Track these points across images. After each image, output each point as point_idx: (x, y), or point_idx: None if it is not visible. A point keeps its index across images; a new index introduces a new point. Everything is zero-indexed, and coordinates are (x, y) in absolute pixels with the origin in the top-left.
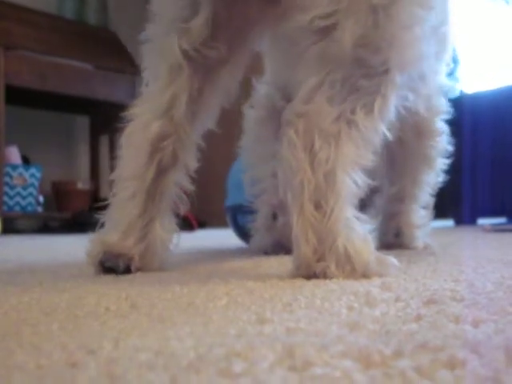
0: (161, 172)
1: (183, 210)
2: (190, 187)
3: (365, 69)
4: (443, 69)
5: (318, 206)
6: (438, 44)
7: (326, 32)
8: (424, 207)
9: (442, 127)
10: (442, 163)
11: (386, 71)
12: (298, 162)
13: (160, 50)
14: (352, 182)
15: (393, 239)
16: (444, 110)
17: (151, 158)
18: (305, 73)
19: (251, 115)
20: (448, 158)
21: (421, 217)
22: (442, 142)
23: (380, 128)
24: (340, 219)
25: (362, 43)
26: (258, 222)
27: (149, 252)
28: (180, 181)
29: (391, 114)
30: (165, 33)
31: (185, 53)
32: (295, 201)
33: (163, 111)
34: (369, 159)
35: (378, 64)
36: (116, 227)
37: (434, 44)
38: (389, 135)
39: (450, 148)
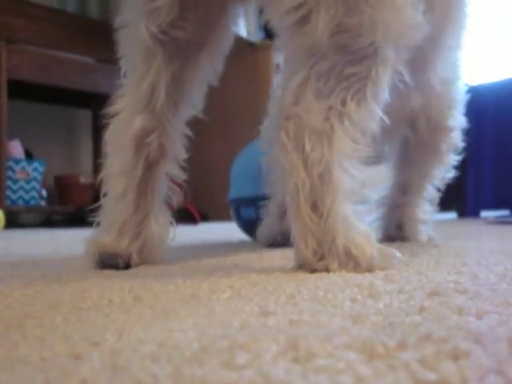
0: (149, 167)
1: (177, 201)
2: (183, 176)
3: (349, 55)
4: (460, 59)
5: (314, 207)
6: (454, 35)
7: (301, 24)
8: (429, 202)
9: (456, 122)
10: (452, 159)
11: (375, 51)
12: (290, 164)
13: (132, 36)
14: (349, 176)
15: (395, 231)
16: (459, 103)
17: (137, 155)
18: (290, 69)
19: (276, 97)
20: (459, 154)
21: (425, 211)
22: (455, 138)
23: (376, 113)
24: (338, 218)
25: (339, 30)
26: (271, 209)
27: (146, 248)
28: (171, 172)
29: (386, 95)
30: (137, 17)
31: (153, 36)
32: (292, 202)
33: (144, 104)
34: (366, 150)
35: (364, 47)
36: (110, 227)
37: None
38: (385, 119)
39: (462, 144)
